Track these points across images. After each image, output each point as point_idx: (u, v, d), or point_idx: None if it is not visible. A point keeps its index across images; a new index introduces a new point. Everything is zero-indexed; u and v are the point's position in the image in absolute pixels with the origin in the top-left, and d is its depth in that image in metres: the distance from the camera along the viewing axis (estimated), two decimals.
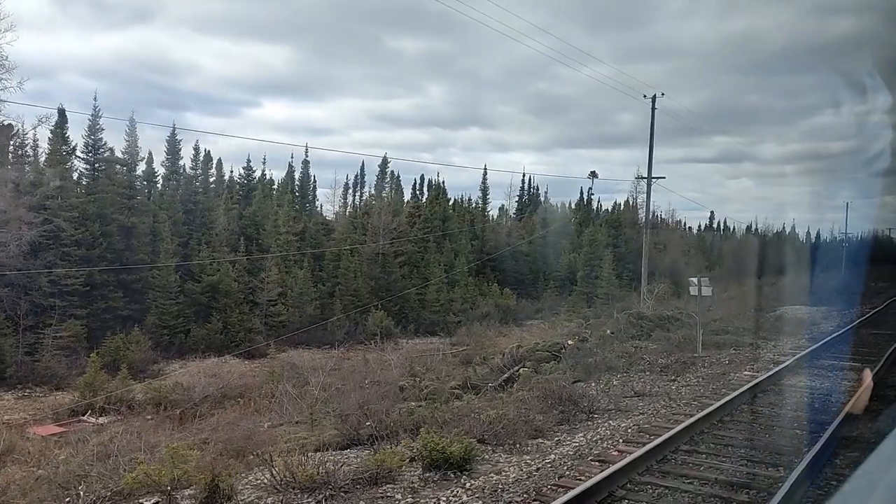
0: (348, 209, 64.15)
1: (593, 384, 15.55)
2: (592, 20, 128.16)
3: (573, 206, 77.57)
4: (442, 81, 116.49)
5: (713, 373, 15.82)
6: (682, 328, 23.15)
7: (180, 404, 18.36)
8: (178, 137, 34.47)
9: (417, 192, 69.10)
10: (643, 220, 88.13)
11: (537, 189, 72.54)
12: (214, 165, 46.98)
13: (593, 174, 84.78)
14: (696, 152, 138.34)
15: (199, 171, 36.08)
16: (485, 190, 60.68)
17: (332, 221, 52.22)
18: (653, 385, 14.75)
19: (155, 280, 29.01)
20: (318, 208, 59.21)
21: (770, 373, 14.92)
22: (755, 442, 9.73)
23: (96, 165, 30.59)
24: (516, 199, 75.01)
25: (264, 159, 55.02)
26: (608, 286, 51.81)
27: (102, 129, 30.30)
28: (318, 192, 60.80)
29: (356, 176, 69.40)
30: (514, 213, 74.90)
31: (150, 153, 35.59)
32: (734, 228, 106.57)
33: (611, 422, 11.41)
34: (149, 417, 17.96)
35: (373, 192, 69.80)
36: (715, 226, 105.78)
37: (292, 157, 51.02)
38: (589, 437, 10.37)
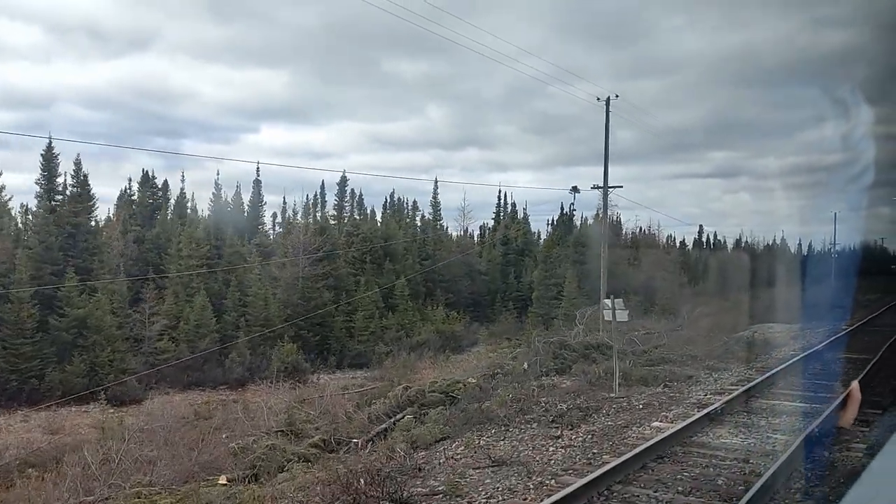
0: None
1: (454, 444, 12.13)
2: (591, 38, 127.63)
3: (553, 222, 74.12)
4: (441, 103, 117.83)
5: (614, 424, 12.44)
6: (611, 359, 19.76)
7: None
8: (56, 152, 31.01)
9: (387, 211, 65.85)
10: (627, 234, 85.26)
11: (514, 206, 69.21)
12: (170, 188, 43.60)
13: (574, 189, 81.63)
14: (693, 167, 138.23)
15: (80, 190, 32.40)
16: (436, 205, 57.33)
17: (271, 243, 48.72)
18: (526, 446, 11.36)
19: (7, 315, 25.31)
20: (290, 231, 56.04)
21: (686, 423, 11.62)
22: None
23: None
24: (492, 217, 71.34)
25: (182, 177, 51.28)
26: (570, 306, 48.41)
27: None
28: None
29: (315, 195, 66.11)
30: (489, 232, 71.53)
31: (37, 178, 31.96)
32: (723, 242, 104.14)
33: None
34: None
35: (333, 211, 67.07)
36: (704, 240, 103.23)
37: (215, 174, 47.33)
38: None
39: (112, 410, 23.60)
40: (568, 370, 18.69)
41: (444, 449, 12.02)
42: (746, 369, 19.02)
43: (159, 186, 41.25)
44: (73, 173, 31.75)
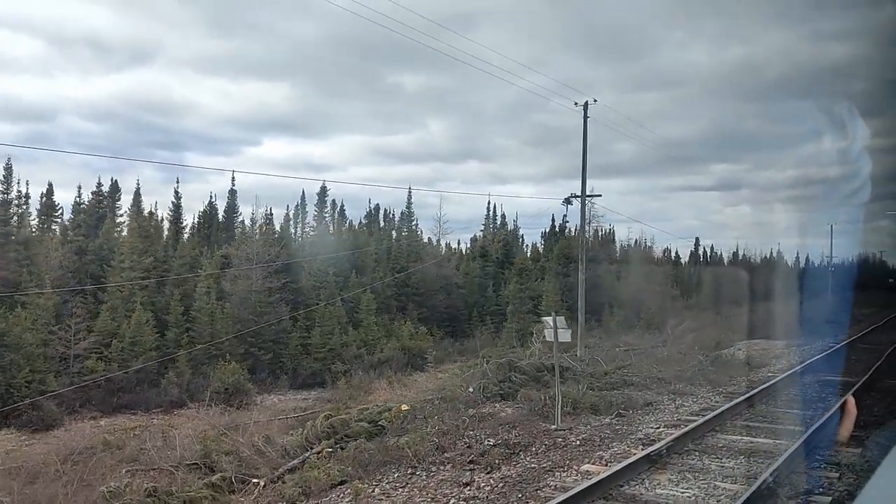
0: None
1: (346, 492, 10.30)
2: (592, 52, 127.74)
3: (545, 234, 72.11)
4: (442, 116, 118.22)
5: (538, 467, 10.61)
6: (565, 382, 17.94)
7: None
8: None
9: (360, 222, 64.17)
10: (622, 247, 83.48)
11: (504, 217, 67.49)
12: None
13: (567, 200, 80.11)
14: (695, 180, 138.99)
15: (14, 197, 30.44)
16: (409, 215, 55.46)
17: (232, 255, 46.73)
18: (426, 496, 9.56)
19: None
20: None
21: (621, 465, 9.81)
22: None
23: None
24: (480, 230, 69.20)
25: (138, 185, 49.39)
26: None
27: None
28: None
29: (296, 206, 64.47)
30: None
31: None
32: (720, 255, 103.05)
33: None
34: None
35: (312, 223, 65.57)
36: (701, 253, 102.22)
37: (170, 188, 45.50)
38: None
39: (24, 437, 21.66)
40: (513, 395, 16.81)
41: (331, 499, 10.19)
42: (715, 394, 17.23)
43: (106, 195, 39.30)
44: (2, 179, 29.83)
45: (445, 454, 11.83)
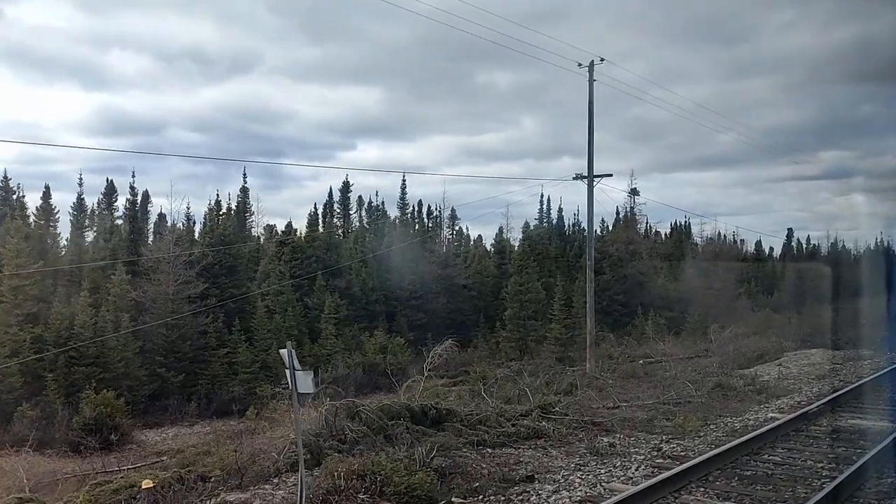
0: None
1: None
2: (690, 39, 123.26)
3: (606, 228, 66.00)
4: (534, 113, 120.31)
5: None
6: (434, 436, 12.17)
7: None
8: None
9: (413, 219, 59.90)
10: (697, 242, 76.38)
11: (560, 212, 61.91)
12: None
13: (633, 191, 74.52)
14: (801, 170, 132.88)
15: None
16: (403, 207, 49.77)
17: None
18: None
19: None
20: None
21: None
22: None
23: None
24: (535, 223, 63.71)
25: (88, 185, 45.63)
26: (563, 329, 40.12)
27: None
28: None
29: (325, 204, 60.58)
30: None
31: None
32: (817, 247, 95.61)
33: None
34: None
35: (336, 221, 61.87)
36: (794, 246, 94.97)
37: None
38: None
39: None
40: (345, 452, 11.04)
41: None
42: (657, 456, 11.11)
43: (14, 191, 35.31)
44: None
45: None
